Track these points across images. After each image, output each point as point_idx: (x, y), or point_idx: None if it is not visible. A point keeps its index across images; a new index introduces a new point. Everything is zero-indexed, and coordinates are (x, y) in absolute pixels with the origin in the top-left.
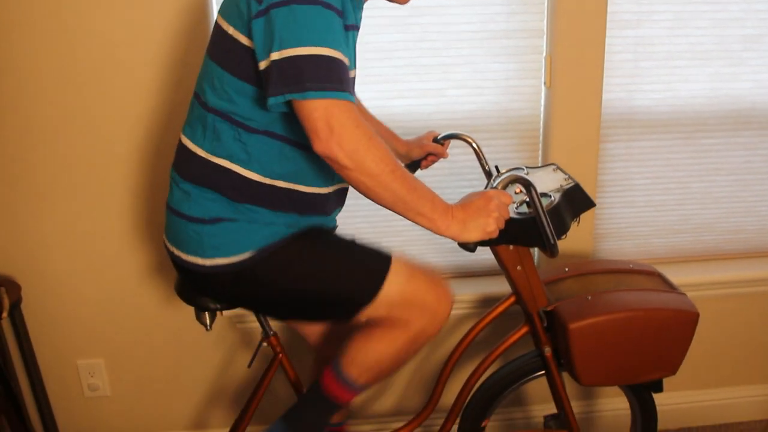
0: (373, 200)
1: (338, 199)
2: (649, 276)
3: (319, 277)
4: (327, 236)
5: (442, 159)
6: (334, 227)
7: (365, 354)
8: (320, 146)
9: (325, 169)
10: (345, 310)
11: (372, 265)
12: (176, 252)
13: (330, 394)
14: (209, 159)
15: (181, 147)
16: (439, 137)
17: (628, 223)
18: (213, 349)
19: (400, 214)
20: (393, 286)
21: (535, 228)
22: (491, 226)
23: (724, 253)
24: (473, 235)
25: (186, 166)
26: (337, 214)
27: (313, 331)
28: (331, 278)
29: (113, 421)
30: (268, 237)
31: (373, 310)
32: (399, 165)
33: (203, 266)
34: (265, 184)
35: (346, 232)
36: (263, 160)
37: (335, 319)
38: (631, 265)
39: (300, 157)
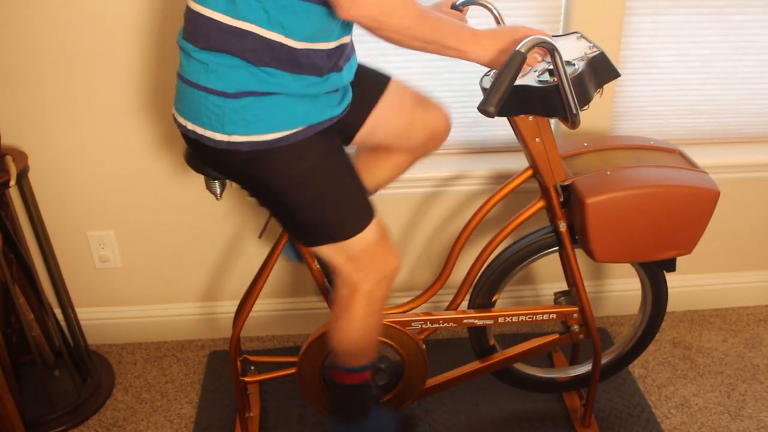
0: (401, 47)
1: (352, 52)
2: (671, 153)
3: (310, 196)
4: (342, 152)
5: None
6: (347, 87)
7: (340, 341)
8: (344, 13)
9: (340, 21)
10: (315, 236)
11: (358, 210)
12: (190, 126)
13: (348, 384)
14: (225, 22)
15: (192, 13)
16: (457, 3)
17: (649, 101)
18: (223, 221)
19: (430, 53)
20: (364, 239)
21: (557, 97)
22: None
23: (745, 137)
24: (499, 60)
25: (200, 34)
26: (350, 70)
27: (390, 133)
28: (321, 202)
29: (124, 293)
30: (293, 121)
31: (334, 251)
32: (421, 11)
33: (220, 141)
34: (286, 45)
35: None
36: (283, 19)
37: (301, 239)
38: (652, 142)
39: (320, 14)
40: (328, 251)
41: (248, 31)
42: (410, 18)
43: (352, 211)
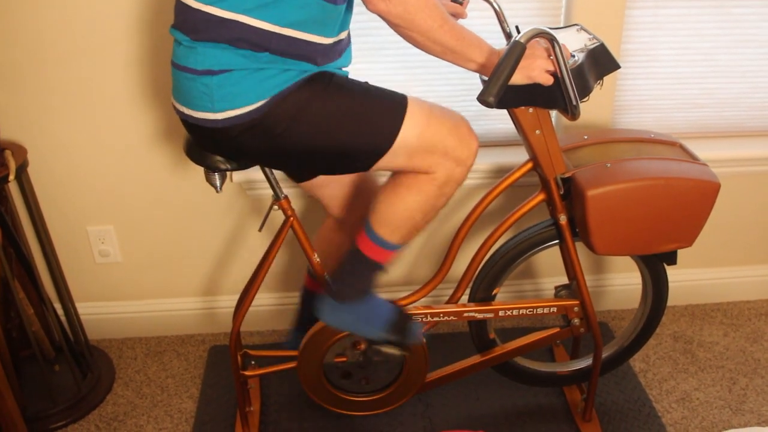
0: (424, 51)
1: (347, 42)
2: (671, 146)
3: (333, 125)
4: (339, 80)
5: (460, 20)
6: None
7: (394, 211)
8: (371, 6)
9: (335, 17)
10: (362, 160)
11: (387, 109)
12: (186, 111)
13: (368, 257)
14: (215, 14)
15: (180, 4)
16: None
17: (650, 95)
18: (223, 216)
19: (449, 62)
20: (410, 130)
21: (557, 88)
22: (535, 71)
23: (746, 130)
24: (519, 75)
25: (189, 25)
26: (348, 56)
27: (333, 196)
28: (345, 126)
29: (125, 287)
30: (280, 84)
31: (392, 158)
32: (447, 17)
33: (215, 121)
34: (275, 33)
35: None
36: (271, 6)
37: (352, 170)
38: (652, 135)
39: (314, 4)
40: (388, 164)
41: (236, 21)
42: (435, 21)
43: (379, 114)
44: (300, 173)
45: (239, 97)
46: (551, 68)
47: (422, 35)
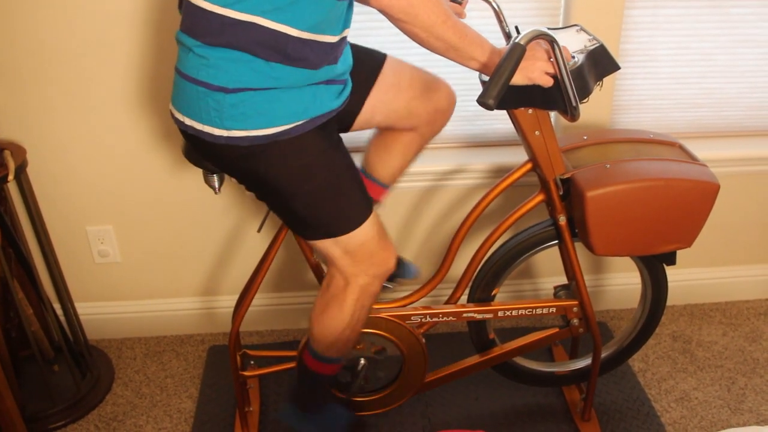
0: (426, 48)
1: (345, 45)
2: (670, 146)
3: (309, 191)
4: (341, 147)
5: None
6: (345, 74)
7: (324, 330)
8: (375, 2)
9: (340, 14)
10: (314, 229)
11: (360, 204)
12: (188, 121)
13: (314, 371)
14: (229, 15)
15: (191, 7)
16: None
17: (649, 95)
18: (222, 216)
19: (451, 60)
20: (361, 234)
21: (556, 89)
22: (535, 72)
23: (745, 130)
24: (517, 78)
25: (201, 28)
26: (344, 61)
27: (390, 114)
28: (319, 197)
29: (124, 287)
30: (293, 115)
31: (333, 244)
32: (450, 14)
33: (219, 136)
34: (292, 36)
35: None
36: (290, 10)
37: (300, 233)
38: (651, 135)
39: (327, 3)
40: (326, 245)
41: (253, 23)
42: (438, 16)
43: (351, 206)
44: (260, 201)
45: (249, 119)
46: (551, 70)
47: (425, 30)
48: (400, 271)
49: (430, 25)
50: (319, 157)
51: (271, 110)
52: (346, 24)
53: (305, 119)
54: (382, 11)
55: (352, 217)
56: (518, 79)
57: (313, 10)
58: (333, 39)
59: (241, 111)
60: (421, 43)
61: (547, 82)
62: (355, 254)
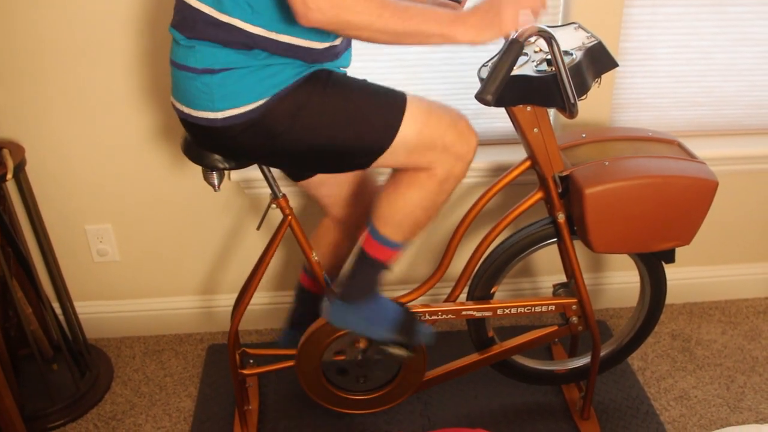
0: (383, 44)
1: (346, 44)
2: (669, 144)
3: (333, 124)
4: (338, 78)
5: None
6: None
7: (396, 210)
8: (303, 21)
9: None
10: (361, 157)
11: (386, 107)
12: (186, 109)
13: (373, 258)
14: (213, 15)
15: (181, 3)
16: None
17: (648, 93)
18: (221, 215)
19: (413, 45)
20: (409, 127)
21: (554, 86)
22: (507, 18)
23: (744, 128)
24: (489, 33)
25: (187, 24)
26: (347, 57)
27: (331, 195)
28: (345, 124)
29: (123, 286)
30: (280, 82)
31: (392, 156)
32: (385, 4)
33: (215, 119)
34: (271, 39)
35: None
36: (267, 14)
37: (352, 168)
38: (650, 133)
39: None
40: (387, 161)
41: (233, 26)
42: (370, 12)
43: (379, 113)
44: (299, 171)
45: (240, 95)
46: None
47: (366, 30)
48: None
49: (367, 24)
50: (323, 96)
51: (260, 83)
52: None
53: (296, 80)
54: (317, 27)
55: (387, 121)
56: (491, 33)
57: (289, 15)
58: (320, 45)
59: (229, 89)
60: (369, 41)
61: (524, 21)
62: (419, 148)
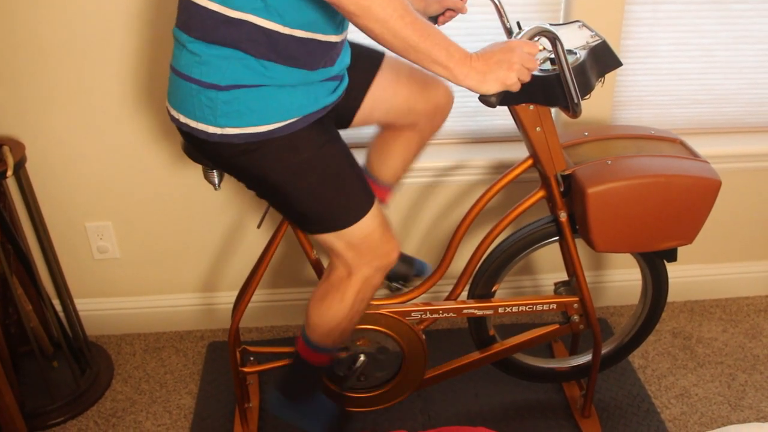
0: (386, 47)
1: (343, 47)
2: (672, 143)
3: (315, 179)
4: (336, 143)
5: (460, 15)
6: (342, 72)
7: (320, 317)
8: None
9: (339, 15)
10: (315, 224)
11: (363, 194)
12: (183, 118)
13: (306, 360)
14: (223, 13)
15: (186, 3)
16: None
17: (649, 91)
18: (222, 212)
19: (415, 63)
20: (367, 223)
21: (558, 86)
22: (511, 79)
23: (745, 126)
24: (492, 87)
25: (195, 23)
26: (341, 63)
27: (390, 110)
28: (325, 186)
29: (123, 283)
30: (284, 112)
31: (337, 238)
32: (409, 10)
33: (213, 134)
34: (284, 34)
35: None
36: (281, 7)
37: (302, 228)
38: (653, 132)
39: (316, 3)
40: (328, 238)
41: (245, 21)
42: (395, 10)
43: (351, 199)
44: (261, 198)
45: (242, 116)
46: (533, 68)
47: (381, 25)
48: (417, 270)
49: (385, 19)
50: (317, 153)
51: (264, 107)
52: (345, 25)
53: (300, 116)
54: (333, 4)
55: (354, 209)
56: (494, 87)
57: (304, 7)
58: (335, 39)
59: (234, 108)
60: (378, 39)
61: (520, 82)
62: (357, 247)
